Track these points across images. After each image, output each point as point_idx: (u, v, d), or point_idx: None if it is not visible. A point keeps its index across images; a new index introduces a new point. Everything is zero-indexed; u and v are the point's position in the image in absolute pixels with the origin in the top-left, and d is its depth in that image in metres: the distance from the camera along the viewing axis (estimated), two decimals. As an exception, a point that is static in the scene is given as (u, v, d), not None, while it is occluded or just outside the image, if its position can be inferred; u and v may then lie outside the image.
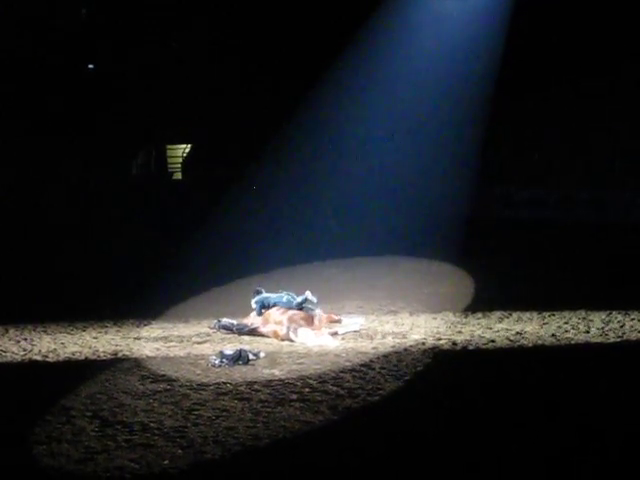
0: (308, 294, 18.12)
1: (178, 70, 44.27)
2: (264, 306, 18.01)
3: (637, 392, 13.43)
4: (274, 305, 17.92)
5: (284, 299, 18.07)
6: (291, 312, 17.52)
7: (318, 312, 17.90)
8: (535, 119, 38.87)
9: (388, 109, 40.03)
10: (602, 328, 17.53)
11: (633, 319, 18.19)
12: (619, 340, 16.64)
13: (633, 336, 16.92)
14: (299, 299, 18.01)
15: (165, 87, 44.23)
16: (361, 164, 40.22)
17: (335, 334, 17.24)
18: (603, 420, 12.12)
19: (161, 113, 44.57)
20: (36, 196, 37.54)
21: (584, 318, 18.39)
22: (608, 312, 18.72)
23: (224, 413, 12.75)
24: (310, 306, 17.94)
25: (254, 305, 18.18)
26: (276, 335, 17.16)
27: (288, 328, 17.07)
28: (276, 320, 17.34)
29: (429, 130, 38.70)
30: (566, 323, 18.02)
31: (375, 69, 40.07)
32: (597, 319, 18.25)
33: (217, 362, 15.35)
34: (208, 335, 17.62)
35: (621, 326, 17.66)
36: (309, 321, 17.32)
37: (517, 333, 17.25)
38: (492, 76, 37.25)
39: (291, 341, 16.93)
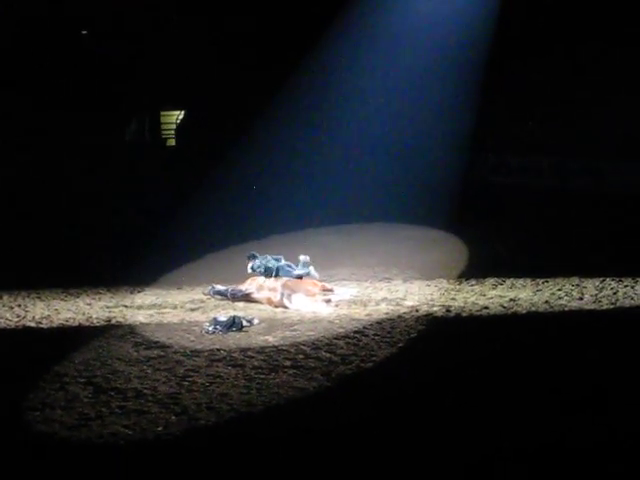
0: (311, 269, 18.06)
1: (172, 35, 43.97)
2: (267, 270, 17.87)
3: (630, 358, 13.48)
4: (276, 271, 17.80)
5: (285, 267, 17.95)
6: (285, 278, 17.52)
7: (311, 278, 17.92)
8: (530, 86, 38.71)
9: (383, 77, 39.87)
10: (595, 295, 17.57)
11: (626, 286, 18.22)
12: (612, 307, 16.68)
13: (627, 303, 16.96)
14: (299, 271, 17.94)
15: (159, 52, 43.93)
16: (356, 132, 40.06)
17: (329, 301, 17.25)
18: (592, 387, 12.21)
19: (155, 79, 44.32)
20: (27, 167, 37.29)
21: (577, 285, 18.42)
22: (602, 279, 18.75)
23: (218, 379, 12.77)
24: (306, 271, 17.93)
25: (250, 270, 18.07)
26: (270, 302, 17.17)
27: (282, 294, 17.09)
28: (270, 287, 17.34)
29: (423, 98, 38.51)
30: (559, 290, 18.05)
31: (370, 37, 39.84)
32: (591, 286, 18.28)
33: (211, 329, 15.37)
34: (202, 302, 17.64)
35: (614, 293, 17.70)
36: (303, 287, 17.33)
37: (510, 300, 17.28)
38: (486, 44, 37.05)
39: (285, 307, 16.95)
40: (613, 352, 13.74)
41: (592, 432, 10.59)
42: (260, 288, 17.49)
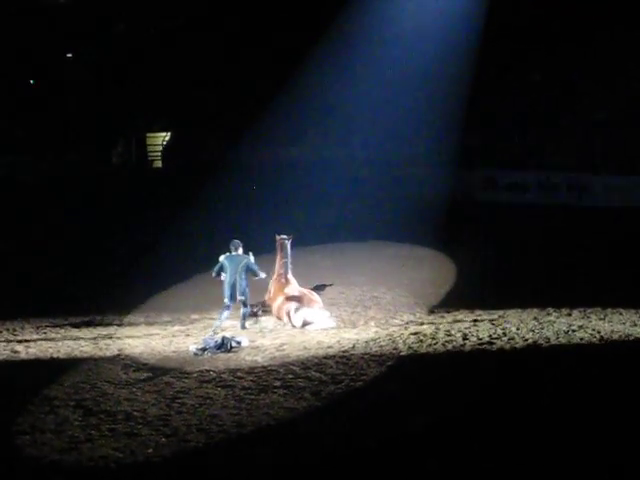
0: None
1: (158, 57, 44.17)
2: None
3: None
4: None
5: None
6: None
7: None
8: (518, 102, 38.91)
9: (371, 94, 40.02)
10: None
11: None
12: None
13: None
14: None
15: (145, 75, 44.11)
16: (344, 150, 40.20)
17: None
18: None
19: (141, 101, 44.46)
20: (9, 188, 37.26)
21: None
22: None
23: (207, 401, 12.76)
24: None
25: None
26: (280, 315, 17.19)
27: (288, 309, 17.02)
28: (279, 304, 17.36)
29: (411, 115, 38.62)
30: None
31: (357, 53, 40.01)
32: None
33: (200, 350, 15.35)
34: (190, 323, 17.60)
35: None
36: (305, 298, 17.27)
37: (499, 317, 17.29)
38: (473, 59, 37.24)
39: (291, 322, 16.88)
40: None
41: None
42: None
